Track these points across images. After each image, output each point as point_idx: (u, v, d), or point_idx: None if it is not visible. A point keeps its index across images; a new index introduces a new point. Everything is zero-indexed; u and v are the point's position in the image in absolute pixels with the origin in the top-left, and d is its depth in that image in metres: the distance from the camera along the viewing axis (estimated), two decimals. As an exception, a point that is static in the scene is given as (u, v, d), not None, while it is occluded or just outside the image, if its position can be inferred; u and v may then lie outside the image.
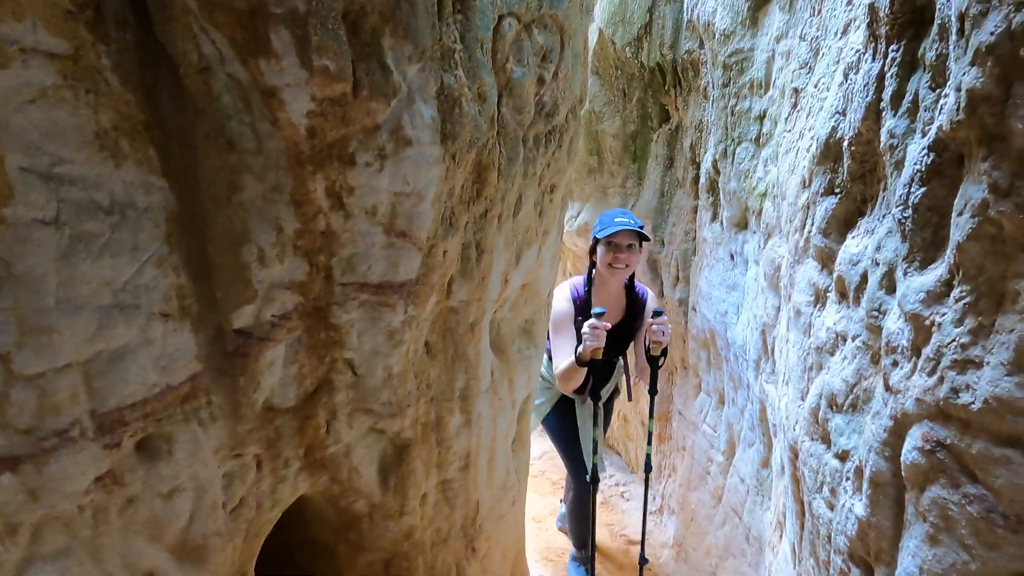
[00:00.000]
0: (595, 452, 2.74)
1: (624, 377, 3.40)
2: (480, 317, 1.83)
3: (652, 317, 2.50)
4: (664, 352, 2.58)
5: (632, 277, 2.90)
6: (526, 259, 1.98)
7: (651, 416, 2.79)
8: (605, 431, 3.32)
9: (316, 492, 1.74)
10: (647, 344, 2.57)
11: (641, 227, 2.66)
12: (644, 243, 2.82)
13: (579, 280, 2.90)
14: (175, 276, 1.24)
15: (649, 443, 2.75)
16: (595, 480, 2.80)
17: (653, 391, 2.70)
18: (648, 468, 2.79)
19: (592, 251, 2.81)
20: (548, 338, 2.76)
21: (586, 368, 2.54)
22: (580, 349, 2.45)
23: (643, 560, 2.81)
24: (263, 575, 1.82)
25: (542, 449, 4.85)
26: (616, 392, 3.36)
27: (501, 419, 2.09)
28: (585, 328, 2.36)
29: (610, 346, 2.65)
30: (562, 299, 2.78)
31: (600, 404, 2.87)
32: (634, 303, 2.92)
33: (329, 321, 1.46)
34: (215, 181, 1.24)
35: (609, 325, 2.35)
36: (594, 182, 4.03)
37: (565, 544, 3.79)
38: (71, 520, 1.21)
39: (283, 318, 1.39)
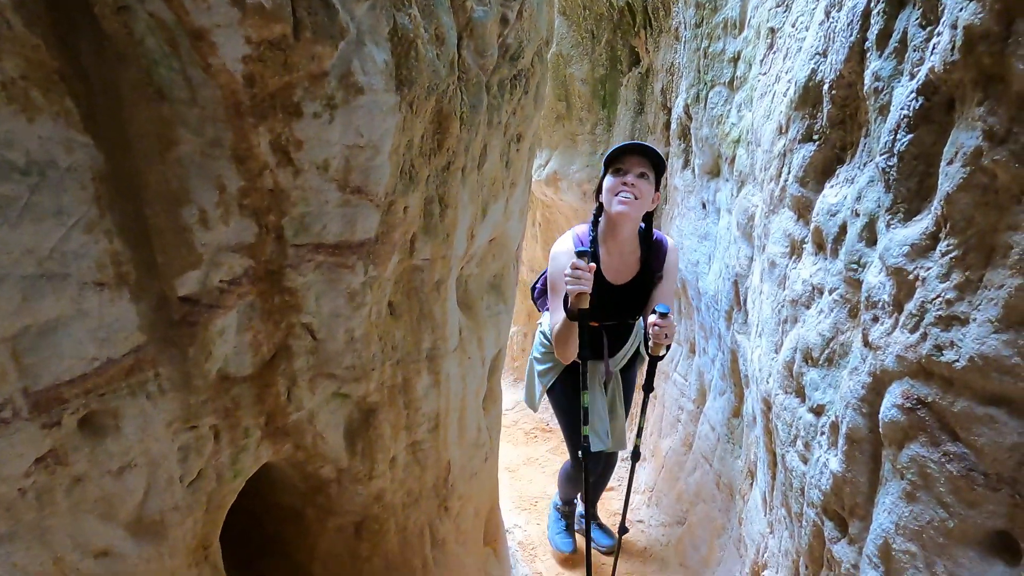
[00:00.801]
0: (610, 433, 2.57)
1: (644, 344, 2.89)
2: (446, 275, 1.75)
3: (658, 317, 2.05)
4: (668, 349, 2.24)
5: (649, 221, 2.37)
6: (493, 213, 1.90)
7: (643, 412, 2.46)
8: (627, 407, 2.77)
9: (280, 459, 1.68)
10: (647, 337, 2.17)
11: (655, 155, 2.21)
12: (661, 178, 2.32)
13: (583, 229, 2.42)
14: (108, 241, 1.14)
15: (639, 436, 2.47)
16: (607, 464, 2.77)
17: (648, 388, 2.38)
18: (636, 456, 2.51)
19: (599, 191, 2.33)
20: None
21: (577, 325, 2.16)
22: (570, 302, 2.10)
23: (623, 530, 2.65)
24: (230, 542, 1.78)
25: (515, 399, 4.86)
26: (638, 359, 2.85)
27: (471, 378, 2.04)
28: (566, 271, 2.01)
29: (623, 306, 2.43)
30: (562, 252, 2.33)
31: (616, 372, 2.65)
32: (651, 254, 2.38)
33: (283, 285, 1.37)
34: (146, 136, 1.13)
35: (594, 266, 2.00)
36: (562, 129, 3.92)
37: (539, 493, 3.83)
38: (12, 504, 1.14)
39: (232, 283, 1.29)
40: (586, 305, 2.04)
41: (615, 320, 2.53)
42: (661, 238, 2.42)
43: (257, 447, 1.55)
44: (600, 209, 2.35)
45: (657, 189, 2.27)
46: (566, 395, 2.74)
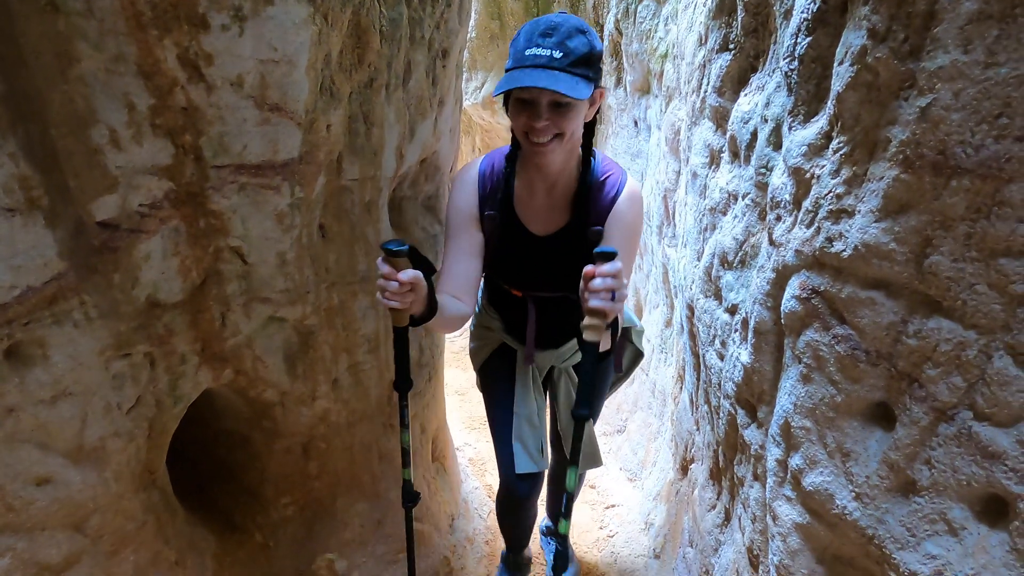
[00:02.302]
0: (543, 449, 1.86)
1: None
2: (376, 196, 1.75)
3: (597, 261, 1.26)
4: (614, 327, 1.48)
5: (589, 144, 1.58)
6: (421, 131, 1.88)
7: (575, 441, 1.50)
8: (588, 408, 1.49)
9: (222, 385, 1.70)
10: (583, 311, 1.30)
11: (578, 62, 1.37)
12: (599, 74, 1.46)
13: (498, 155, 1.66)
14: (14, 165, 1.10)
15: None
16: (531, 481, 1.87)
17: (584, 405, 1.44)
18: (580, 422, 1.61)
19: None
20: None
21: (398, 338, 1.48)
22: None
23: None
24: (180, 469, 1.81)
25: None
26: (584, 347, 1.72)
27: (409, 299, 2.07)
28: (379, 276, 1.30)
29: (556, 269, 1.63)
30: (463, 184, 1.63)
31: (565, 368, 1.87)
32: (588, 195, 1.58)
33: (207, 208, 1.36)
34: (43, 52, 1.08)
35: (404, 280, 1.26)
36: (496, 49, 3.84)
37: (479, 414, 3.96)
38: (-58, 436, 1.14)
39: (153, 207, 1.27)
40: (404, 323, 1.41)
41: (547, 290, 1.70)
42: (610, 174, 1.57)
43: (196, 373, 1.56)
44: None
45: (597, 86, 1.43)
46: (494, 381, 1.95)
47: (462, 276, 1.60)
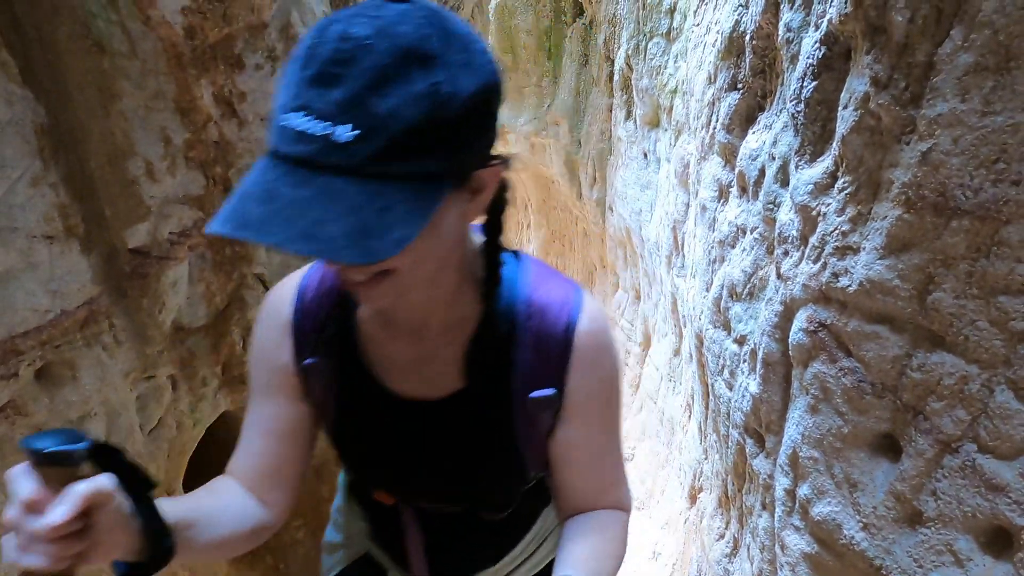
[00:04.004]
0: None
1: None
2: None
3: None
4: None
5: (493, 260, 0.81)
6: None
7: None
8: None
9: (239, 408, 1.74)
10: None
11: (399, 149, 0.56)
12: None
13: (315, 274, 0.85)
14: (55, 194, 1.16)
15: None
16: None
17: None
18: None
19: None
20: None
21: None
22: None
23: None
24: (194, 488, 1.84)
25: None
26: None
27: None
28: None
29: (448, 475, 0.88)
30: (267, 314, 0.86)
31: None
32: (509, 342, 0.81)
33: (233, 236, 1.41)
34: (87, 89, 1.14)
35: (59, 519, 0.52)
36: (509, 82, 3.93)
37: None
38: (-26, 454, 1.18)
39: (182, 235, 1.33)
40: None
41: (436, 499, 0.93)
42: (547, 297, 0.83)
43: (215, 395, 1.60)
44: None
45: (466, 167, 0.65)
46: None
47: (257, 466, 0.86)
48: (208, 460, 1.91)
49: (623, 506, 0.93)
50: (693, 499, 2.25)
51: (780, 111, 1.31)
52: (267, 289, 1.57)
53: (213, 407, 1.63)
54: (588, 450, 0.87)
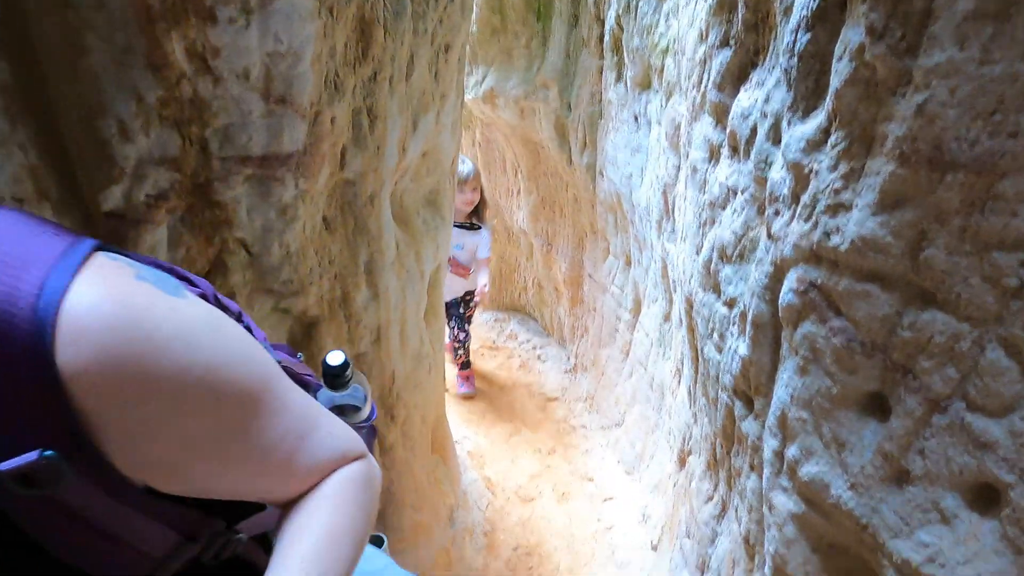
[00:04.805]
0: None
1: None
2: (379, 189, 1.76)
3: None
4: None
5: None
6: (423, 125, 1.90)
7: None
8: None
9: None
10: None
11: None
12: None
13: None
14: (23, 155, 1.11)
15: None
16: None
17: None
18: None
19: None
20: None
21: None
22: None
23: None
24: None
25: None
26: None
27: (410, 291, 2.09)
28: None
29: None
30: None
31: None
32: None
33: (212, 199, 1.37)
34: (53, 44, 1.09)
35: None
36: (498, 44, 3.85)
37: (485, 407, 3.98)
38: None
39: (159, 198, 1.29)
40: None
41: None
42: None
43: (199, 363, 1.58)
44: None
45: None
46: None
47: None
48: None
49: (328, 461, 0.74)
50: (682, 462, 2.27)
51: (773, 67, 1.27)
52: (250, 255, 1.53)
53: (198, 374, 1.60)
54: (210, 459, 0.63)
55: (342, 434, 0.77)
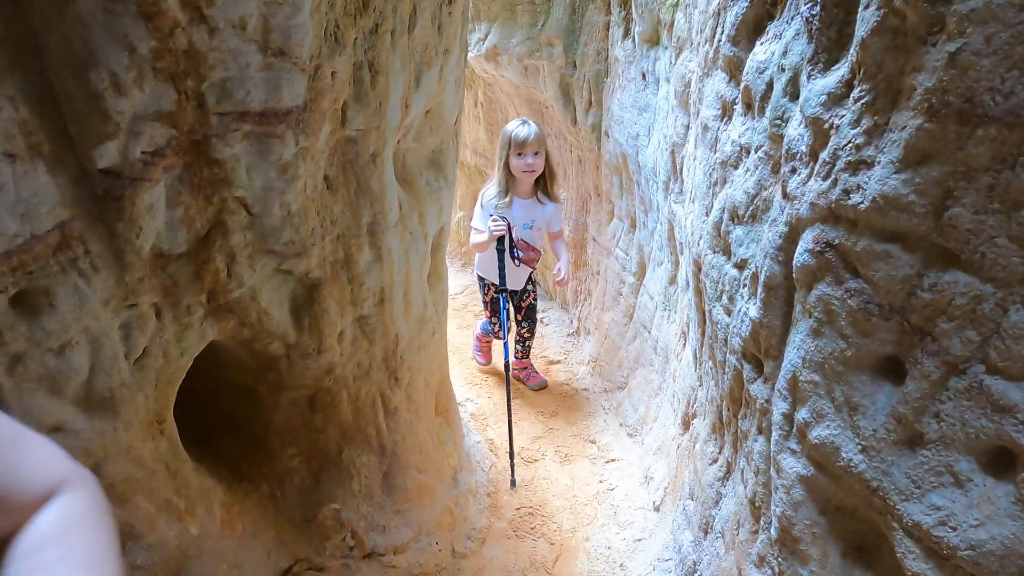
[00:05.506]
0: None
1: None
2: (381, 147, 1.72)
3: None
4: None
5: None
6: (427, 81, 1.84)
7: None
8: None
9: (227, 338, 1.70)
10: None
11: None
12: None
13: None
14: (13, 109, 1.08)
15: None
16: None
17: None
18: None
19: None
20: None
21: None
22: None
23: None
24: (186, 419, 1.82)
25: (463, 284, 4.94)
26: None
27: (413, 253, 2.06)
28: None
29: None
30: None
31: None
32: None
33: (211, 156, 1.33)
34: (40, -10, 1.04)
35: None
36: (501, -1, 3.74)
37: (487, 368, 3.98)
38: (-47, 383, 1.14)
39: (155, 155, 1.25)
40: None
41: None
42: None
43: (201, 324, 1.56)
44: None
45: None
46: None
47: None
48: (198, 390, 1.89)
49: (54, 486, 0.62)
50: (686, 425, 2.27)
51: (792, 18, 1.22)
52: (251, 215, 1.50)
53: (200, 336, 1.59)
54: None
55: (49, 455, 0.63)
